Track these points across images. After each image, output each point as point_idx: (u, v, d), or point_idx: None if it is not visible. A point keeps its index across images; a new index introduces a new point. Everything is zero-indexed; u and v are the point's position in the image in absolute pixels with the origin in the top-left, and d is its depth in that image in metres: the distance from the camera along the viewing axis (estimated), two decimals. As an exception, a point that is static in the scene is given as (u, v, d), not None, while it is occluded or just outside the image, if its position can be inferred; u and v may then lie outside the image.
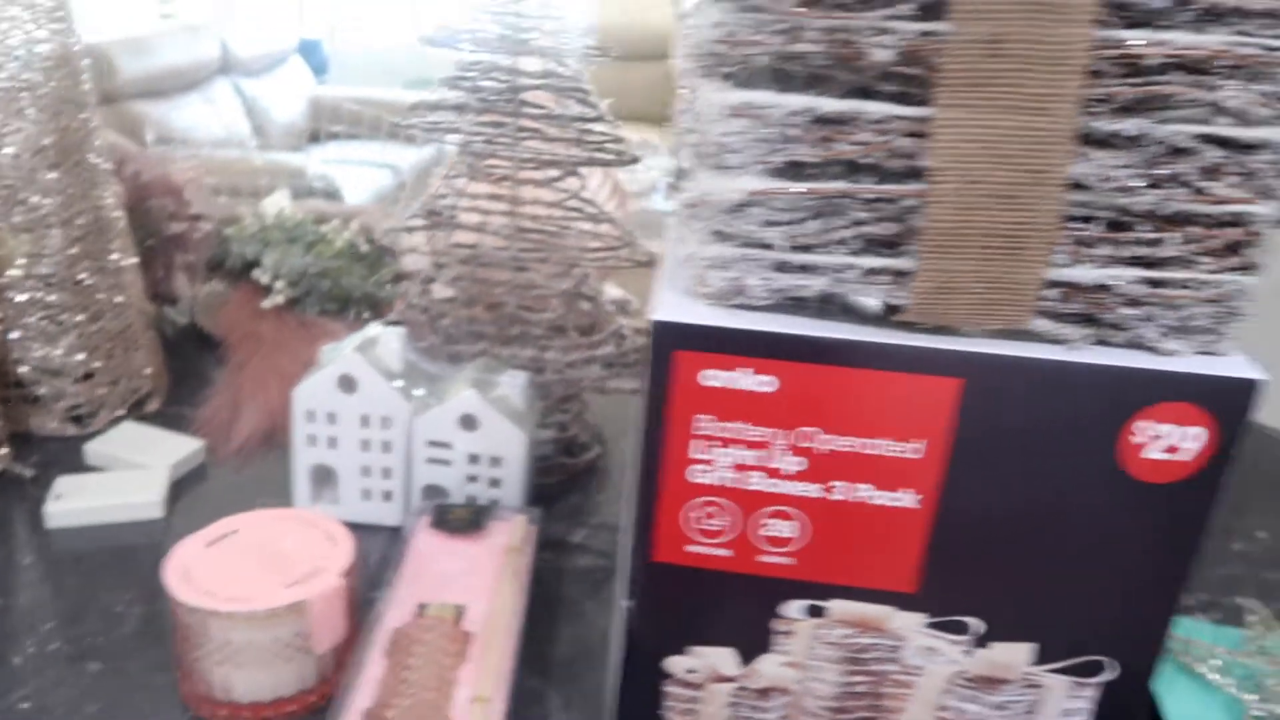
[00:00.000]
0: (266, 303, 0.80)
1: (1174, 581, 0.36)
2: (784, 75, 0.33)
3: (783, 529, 0.36)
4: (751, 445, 0.35)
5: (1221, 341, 0.34)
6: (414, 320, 0.61)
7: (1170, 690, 0.46)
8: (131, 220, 0.78)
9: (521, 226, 0.59)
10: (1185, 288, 0.33)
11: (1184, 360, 0.34)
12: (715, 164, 0.33)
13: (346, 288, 0.80)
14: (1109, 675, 0.37)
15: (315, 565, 0.43)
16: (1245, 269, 0.33)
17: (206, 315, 0.83)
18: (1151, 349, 0.34)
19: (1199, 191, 0.32)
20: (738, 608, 0.37)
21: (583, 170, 0.60)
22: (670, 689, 0.39)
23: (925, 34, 0.31)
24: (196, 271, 0.85)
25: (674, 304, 0.35)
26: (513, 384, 0.56)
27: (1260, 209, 0.32)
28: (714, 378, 0.34)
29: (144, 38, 2.91)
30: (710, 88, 0.33)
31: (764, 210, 0.33)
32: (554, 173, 0.58)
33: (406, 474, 0.56)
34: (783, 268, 0.34)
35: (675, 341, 0.34)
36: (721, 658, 0.38)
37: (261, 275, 0.82)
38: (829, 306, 0.35)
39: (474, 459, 0.55)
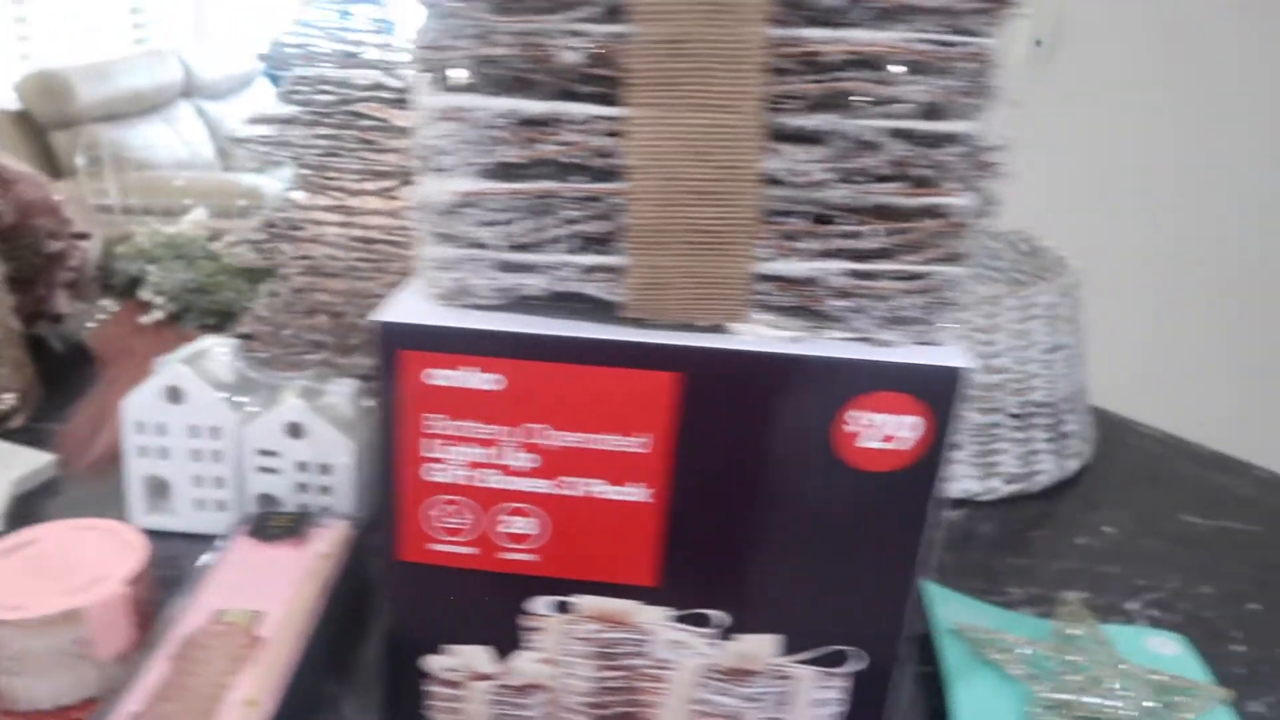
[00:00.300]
0: (145, 318, 0.80)
1: (904, 570, 0.36)
2: (498, 79, 0.34)
3: (522, 525, 0.36)
4: (483, 443, 0.35)
5: (936, 332, 0.35)
6: (259, 331, 0.62)
7: (963, 680, 0.47)
8: (15, 239, 0.79)
9: (358, 236, 0.60)
10: (892, 279, 0.34)
11: (897, 350, 0.34)
12: (431, 166, 0.34)
13: (225, 302, 0.80)
14: (856, 665, 0.38)
15: (101, 573, 0.44)
16: (951, 260, 0.34)
17: (91, 332, 0.83)
18: (868, 340, 0.35)
19: (894, 184, 0.33)
20: (487, 605, 0.38)
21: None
22: (432, 688, 0.39)
23: (613, 36, 0.31)
24: (82, 289, 0.85)
25: (404, 305, 0.36)
26: (342, 392, 0.56)
27: (957, 201, 0.33)
28: (441, 377, 0.35)
29: (104, 63, 2.93)
30: (423, 92, 0.34)
31: (479, 211, 0.34)
32: (388, 183, 0.59)
33: (239, 484, 0.57)
34: (505, 267, 0.35)
35: (399, 341, 0.34)
36: (478, 656, 0.39)
37: (144, 291, 0.82)
38: (575, 304, 0.36)
39: (303, 467, 0.56)
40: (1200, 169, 1.80)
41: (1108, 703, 0.46)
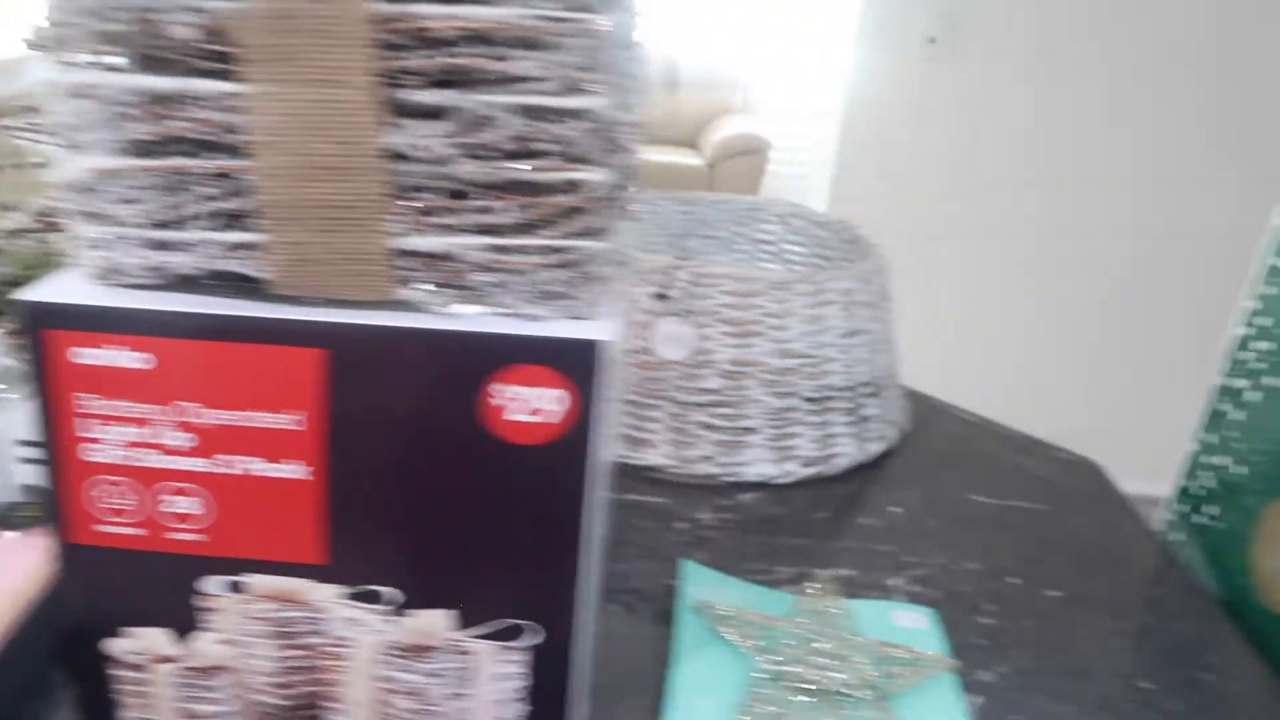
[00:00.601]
0: (-42, 313, 0.79)
1: (570, 544, 0.37)
2: (132, 55, 0.34)
3: (186, 505, 0.36)
4: (138, 422, 0.35)
5: (582, 306, 0.35)
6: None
7: (689, 653, 0.47)
8: None
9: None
10: (530, 254, 0.34)
11: (541, 324, 0.35)
12: (67, 144, 0.34)
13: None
14: (533, 639, 0.38)
15: None
16: (591, 234, 0.34)
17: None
18: (515, 315, 0.35)
19: (526, 160, 0.33)
20: (160, 586, 0.38)
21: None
22: (116, 672, 0.39)
23: (225, 12, 0.31)
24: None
25: (54, 284, 0.35)
26: (105, 381, 0.56)
27: (589, 175, 0.33)
28: (88, 355, 0.34)
29: (15, 59, 2.87)
30: (53, 68, 0.33)
31: (117, 189, 0.34)
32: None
33: (3, 475, 0.56)
34: (151, 245, 0.35)
35: (43, 320, 0.34)
36: (157, 638, 0.38)
37: (-41, 286, 0.81)
38: (236, 281, 0.36)
39: (64, 458, 0.55)
40: (1075, 168, 1.84)
41: (828, 673, 0.47)
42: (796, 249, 0.87)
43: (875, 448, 0.71)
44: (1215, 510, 0.61)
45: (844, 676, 0.47)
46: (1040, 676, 0.50)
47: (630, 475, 0.66)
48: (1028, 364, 1.97)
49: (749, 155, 3.54)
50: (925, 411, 0.80)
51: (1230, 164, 1.80)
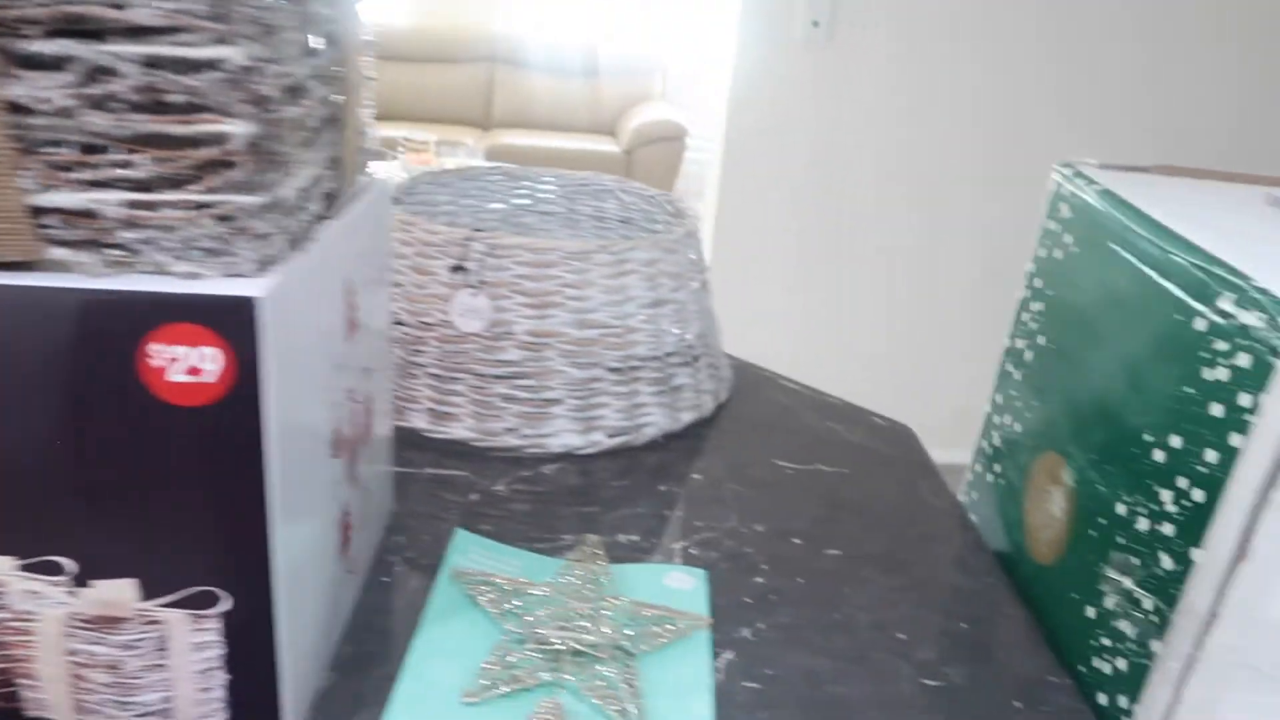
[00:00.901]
0: None
1: (254, 507, 0.36)
2: None
3: None
4: None
5: (242, 262, 0.34)
6: None
7: (436, 618, 0.47)
8: None
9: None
10: (175, 209, 0.33)
11: (197, 282, 0.34)
12: None
13: None
14: (225, 606, 0.37)
15: None
16: (241, 189, 0.34)
17: None
18: (168, 272, 0.34)
19: (162, 114, 0.32)
20: None
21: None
22: None
23: None
24: None
25: None
26: None
27: (229, 128, 0.33)
28: None
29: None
30: None
31: None
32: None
33: None
34: None
35: None
36: None
37: None
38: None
39: None
40: (948, 155, 1.88)
41: (577, 635, 0.47)
42: (630, 223, 0.87)
43: (687, 417, 0.72)
44: (999, 468, 0.63)
45: (592, 638, 0.47)
46: (799, 631, 0.51)
47: (436, 449, 0.66)
48: (892, 346, 2.01)
49: (666, 142, 3.55)
50: (751, 381, 0.80)
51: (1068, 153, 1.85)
